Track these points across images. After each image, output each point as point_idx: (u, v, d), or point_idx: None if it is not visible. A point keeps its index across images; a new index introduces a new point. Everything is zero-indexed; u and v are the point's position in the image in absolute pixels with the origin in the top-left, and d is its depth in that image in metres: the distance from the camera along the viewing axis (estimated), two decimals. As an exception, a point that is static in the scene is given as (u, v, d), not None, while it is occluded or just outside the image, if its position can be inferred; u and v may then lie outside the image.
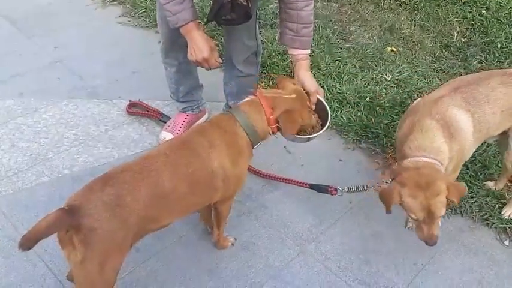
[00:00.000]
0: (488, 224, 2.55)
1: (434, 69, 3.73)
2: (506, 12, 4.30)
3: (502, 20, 4.27)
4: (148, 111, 3.07)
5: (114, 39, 3.90)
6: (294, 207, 2.56)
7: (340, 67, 3.57)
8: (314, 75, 3.40)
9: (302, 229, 2.46)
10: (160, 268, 2.22)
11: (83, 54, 3.70)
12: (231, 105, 2.85)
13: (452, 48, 3.98)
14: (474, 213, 2.58)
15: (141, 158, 1.80)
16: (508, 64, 3.76)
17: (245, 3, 2.19)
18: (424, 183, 1.93)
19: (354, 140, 3.02)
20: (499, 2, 4.40)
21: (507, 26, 4.19)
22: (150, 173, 1.71)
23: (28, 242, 1.49)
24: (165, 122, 2.99)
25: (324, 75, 3.47)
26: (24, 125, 2.97)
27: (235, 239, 2.35)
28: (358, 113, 3.17)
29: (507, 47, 3.96)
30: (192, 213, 2.23)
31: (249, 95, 2.04)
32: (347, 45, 3.90)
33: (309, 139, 2.19)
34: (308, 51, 2.30)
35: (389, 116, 3.16)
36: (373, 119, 3.12)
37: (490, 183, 2.74)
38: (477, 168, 2.79)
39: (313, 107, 2.24)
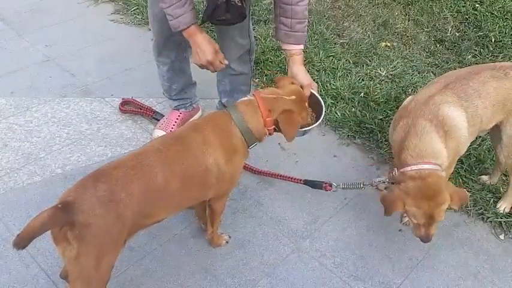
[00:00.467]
0: (483, 218, 2.55)
1: (428, 64, 3.73)
2: (500, 6, 4.30)
3: (495, 14, 4.26)
4: (141, 109, 3.05)
5: (106, 37, 3.87)
6: (289, 205, 2.55)
7: (334, 62, 3.55)
8: (308, 71, 3.38)
9: (297, 226, 2.45)
10: (155, 266, 2.21)
11: (75, 51, 3.66)
12: (225, 103, 2.84)
13: (446, 43, 3.98)
14: (469, 208, 2.58)
15: (134, 154, 1.78)
16: (502, 58, 3.76)
17: (239, 4, 2.18)
18: (429, 194, 1.97)
19: (348, 135, 3.01)
20: (493, -4, 4.40)
21: (501, 20, 4.19)
22: (143, 168, 1.71)
23: (22, 241, 1.48)
24: (158, 120, 2.97)
25: (318, 70, 3.46)
26: (15, 124, 2.94)
27: (230, 237, 2.34)
28: (353, 109, 3.16)
29: (501, 40, 3.96)
30: (186, 209, 2.22)
31: (248, 94, 2.02)
32: (341, 41, 3.88)
33: (304, 132, 2.18)
34: (302, 46, 2.29)
35: (384, 111, 3.15)
36: (367, 115, 3.11)
37: (485, 178, 2.74)
38: (472, 162, 2.79)
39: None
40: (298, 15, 2.21)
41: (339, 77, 3.41)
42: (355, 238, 2.42)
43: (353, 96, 3.25)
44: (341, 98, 3.23)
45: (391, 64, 3.62)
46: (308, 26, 3.94)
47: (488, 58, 3.77)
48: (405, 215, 2.48)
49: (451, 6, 4.34)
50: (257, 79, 3.38)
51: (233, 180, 2.02)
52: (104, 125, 2.99)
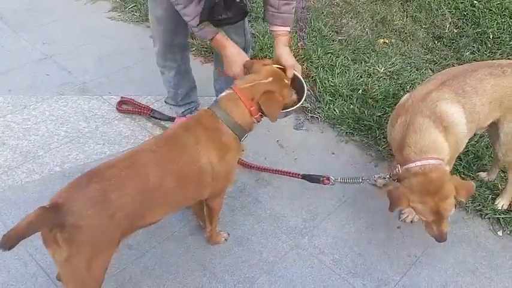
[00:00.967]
0: (481, 214, 2.56)
1: (426, 61, 3.72)
2: (498, 2, 4.29)
3: (493, 10, 4.26)
4: (139, 108, 3.04)
5: (104, 34, 3.86)
6: (287, 202, 2.55)
7: (332, 59, 3.55)
8: (306, 68, 3.41)
9: (296, 223, 2.45)
10: (154, 264, 2.21)
11: (73, 49, 3.66)
12: None
13: (444, 39, 3.97)
14: (467, 205, 2.58)
15: (128, 154, 1.78)
16: (500, 55, 3.76)
17: (238, 1, 2.17)
18: (432, 189, 1.97)
19: (346, 132, 3.01)
20: (491, -8, 4.40)
21: (499, 16, 4.19)
22: (137, 169, 1.70)
23: (9, 241, 1.46)
24: (156, 118, 2.97)
25: (316, 67, 3.46)
26: (13, 122, 2.94)
27: (229, 234, 2.34)
28: (351, 106, 3.15)
29: (499, 37, 3.96)
30: (183, 209, 2.22)
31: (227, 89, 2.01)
32: (339, 38, 3.88)
33: (286, 114, 2.16)
34: (288, 28, 2.30)
35: (382, 108, 3.15)
36: (366, 112, 3.11)
37: (483, 174, 2.74)
38: (470, 159, 2.79)
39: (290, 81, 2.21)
40: None
41: (337, 74, 3.41)
42: (354, 235, 2.42)
43: (351, 93, 3.25)
44: (339, 95, 3.23)
45: (389, 61, 3.62)
46: (306, 23, 3.97)
47: (486, 55, 3.77)
48: (404, 211, 2.50)
49: (449, 3, 4.33)
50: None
51: (228, 177, 2.01)
52: (102, 123, 2.98)
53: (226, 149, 1.92)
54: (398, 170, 2.11)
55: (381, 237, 2.41)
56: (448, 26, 4.12)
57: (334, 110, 3.12)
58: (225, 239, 2.32)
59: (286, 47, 2.28)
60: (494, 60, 2.49)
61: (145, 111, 3.02)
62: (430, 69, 3.61)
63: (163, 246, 2.29)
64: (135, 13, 4.10)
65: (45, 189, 2.49)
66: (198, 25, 2.14)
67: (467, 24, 4.13)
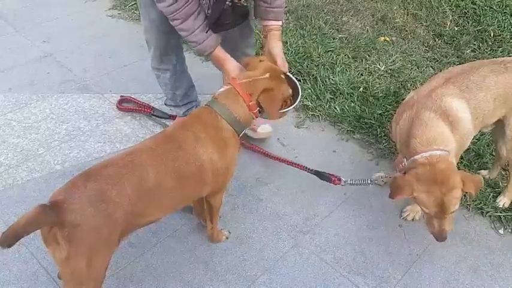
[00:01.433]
0: (482, 212, 2.55)
1: (427, 59, 3.72)
2: (499, 0, 4.29)
3: (494, 8, 4.26)
4: (139, 106, 3.04)
5: (104, 32, 3.85)
6: (288, 200, 2.55)
7: (333, 57, 3.55)
8: (307, 66, 3.41)
9: (297, 221, 2.45)
10: (155, 262, 2.21)
11: (73, 47, 3.65)
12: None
13: (445, 37, 3.97)
14: (468, 203, 2.58)
15: (126, 153, 1.77)
16: (501, 52, 3.76)
17: (245, 4, 2.21)
18: (439, 179, 1.91)
19: (347, 130, 3.01)
20: (492, -10, 4.39)
21: (500, 14, 4.19)
22: (135, 167, 1.69)
23: (7, 240, 1.45)
24: (157, 116, 2.96)
25: (316, 66, 3.45)
26: (14, 120, 2.93)
27: (230, 233, 2.34)
28: (352, 104, 3.15)
29: (500, 35, 3.95)
30: (184, 207, 2.22)
31: (224, 85, 2.01)
32: (340, 36, 3.87)
33: (283, 114, 2.15)
34: (280, 22, 2.31)
35: (383, 106, 3.15)
36: (366, 110, 3.11)
37: (484, 172, 2.74)
38: (471, 157, 2.79)
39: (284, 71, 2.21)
40: None
41: (338, 72, 3.40)
42: (355, 233, 2.42)
43: (352, 91, 3.25)
44: (340, 93, 3.23)
45: (390, 59, 3.62)
46: (306, 21, 3.96)
47: (487, 52, 3.76)
48: (405, 209, 2.50)
49: (449, 0, 4.33)
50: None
51: (228, 173, 2.01)
52: (103, 121, 2.98)
53: (226, 145, 1.92)
54: (405, 164, 2.09)
55: (382, 236, 2.41)
56: (448, 24, 4.11)
57: (335, 108, 3.12)
58: (227, 237, 2.32)
59: (279, 41, 2.29)
60: (497, 58, 2.49)
61: (145, 110, 3.01)
62: (431, 67, 3.61)
63: (164, 244, 2.28)
64: (135, 11, 4.09)
65: (46, 187, 2.49)
66: (196, 40, 2.16)
67: (468, 22, 4.13)
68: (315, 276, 2.21)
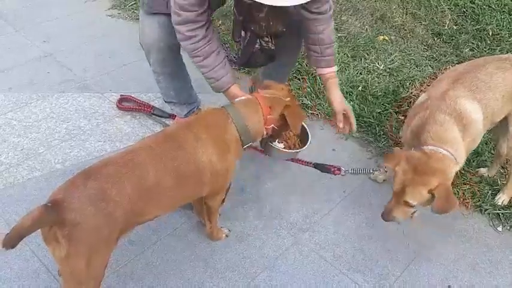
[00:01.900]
0: (481, 210, 2.57)
1: (426, 57, 3.73)
2: (498, -1, 4.31)
3: (493, 7, 4.27)
4: (139, 105, 3.04)
5: (104, 32, 3.86)
6: (288, 198, 2.56)
7: (332, 56, 3.55)
8: (306, 65, 3.41)
9: (296, 219, 2.46)
10: (156, 260, 2.22)
11: (73, 47, 3.66)
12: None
13: (444, 36, 3.98)
14: (467, 200, 2.60)
15: (126, 151, 1.77)
16: (499, 51, 3.77)
17: (273, 48, 2.29)
18: (419, 169, 1.94)
19: (346, 129, 3.01)
20: (490, -11, 4.41)
21: (498, 13, 4.20)
22: (135, 166, 1.69)
23: (12, 241, 1.46)
24: (157, 115, 2.97)
25: (316, 64, 3.46)
26: (14, 119, 2.94)
27: (230, 231, 2.35)
28: (351, 103, 3.15)
29: (498, 34, 3.97)
30: (184, 205, 2.23)
31: (247, 95, 2.06)
32: (339, 35, 3.88)
33: (295, 154, 2.33)
34: (334, 68, 2.38)
35: (382, 104, 3.16)
36: (365, 108, 3.12)
37: (483, 170, 2.75)
38: (470, 155, 2.79)
39: (340, 124, 2.37)
40: (326, 41, 2.30)
41: (337, 70, 3.38)
42: (355, 231, 2.43)
43: (351, 90, 3.26)
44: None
45: (389, 58, 3.63)
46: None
47: (485, 51, 3.78)
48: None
49: (448, 0, 4.34)
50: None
51: (227, 176, 2.02)
52: (103, 120, 2.99)
53: (227, 148, 1.93)
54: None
55: (382, 233, 2.42)
56: (447, 23, 4.13)
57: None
58: (226, 235, 2.33)
59: (338, 90, 2.35)
60: (501, 55, 2.49)
61: (145, 109, 3.02)
62: (430, 65, 3.62)
63: (165, 242, 2.29)
64: (135, 11, 4.10)
65: (47, 186, 2.50)
66: (215, 77, 2.22)
67: (467, 21, 4.14)
68: (314, 273, 2.22)
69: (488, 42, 3.88)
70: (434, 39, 3.97)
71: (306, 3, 2.04)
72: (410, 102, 3.17)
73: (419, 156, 1.99)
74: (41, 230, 1.56)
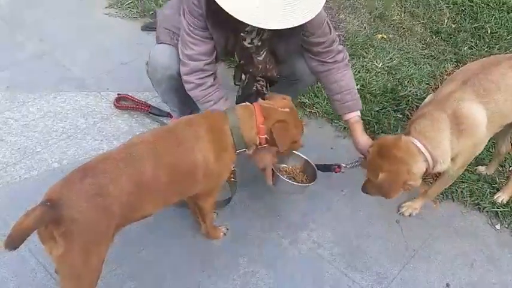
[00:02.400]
0: (479, 208, 2.57)
1: (424, 56, 3.73)
2: (496, -3, 4.30)
3: (491, 5, 4.27)
4: (136, 104, 3.04)
5: (101, 31, 3.85)
6: (287, 196, 2.55)
7: (330, 55, 3.54)
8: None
9: (294, 218, 2.46)
10: (153, 259, 2.21)
11: (70, 46, 3.64)
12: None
13: (442, 34, 3.98)
14: (465, 198, 2.59)
15: (124, 146, 1.78)
16: (498, 49, 3.77)
17: (266, 93, 2.40)
18: (383, 154, 2.07)
19: (344, 128, 3.01)
20: (489, -13, 4.40)
21: (497, 11, 4.20)
22: (133, 160, 1.69)
23: (14, 242, 1.45)
24: (154, 114, 2.97)
25: (314, 63, 3.45)
26: (11, 118, 2.93)
27: (227, 229, 2.34)
28: (349, 101, 3.15)
29: (497, 32, 3.97)
30: (181, 203, 2.22)
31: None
32: (337, 33, 3.86)
33: (305, 187, 2.34)
34: (358, 112, 2.37)
35: (380, 103, 3.16)
36: (364, 107, 3.07)
37: (482, 168, 2.75)
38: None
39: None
40: (344, 88, 2.31)
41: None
42: (353, 229, 2.43)
43: (349, 88, 3.25)
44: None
45: (387, 56, 3.62)
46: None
47: (484, 49, 3.77)
48: (403, 205, 2.51)
49: (446, -2, 4.34)
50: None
51: (220, 178, 2.02)
52: (100, 118, 2.98)
53: (224, 149, 1.93)
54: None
55: (380, 231, 2.42)
56: (445, 21, 4.12)
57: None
58: (224, 234, 2.32)
59: (363, 134, 2.34)
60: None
61: (143, 107, 3.01)
62: (428, 64, 3.62)
63: (162, 241, 2.29)
64: (132, 9, 4.09)
65: (44, 185, 2.42)
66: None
67: (465, 19, 4.14)
68: (313, 272, 2.21)
69: (487, 40, 3.88)
70: (432, 38, 3.96)
71: (319, 55, 2.26)
72: (409, 100, 3.17)
73: (390, 143, 2.07)
74: (37, 230, 1.54)
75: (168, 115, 2.93)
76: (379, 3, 4.29)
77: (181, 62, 2.22)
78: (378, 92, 3.24)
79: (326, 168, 2.51)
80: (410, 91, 3.26)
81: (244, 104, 2.04)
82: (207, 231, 2.26)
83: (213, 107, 2.19)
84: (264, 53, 2.33)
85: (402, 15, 4.19)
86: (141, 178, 1.69)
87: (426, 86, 3.36)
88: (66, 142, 2.79)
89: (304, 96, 3.18)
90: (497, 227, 2.49)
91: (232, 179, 2.26)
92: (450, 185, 2.62)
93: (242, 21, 1.81)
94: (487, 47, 3.80)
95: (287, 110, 2.04)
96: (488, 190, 2.63)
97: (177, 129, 1.87)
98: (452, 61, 3.65)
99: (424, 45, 3.87)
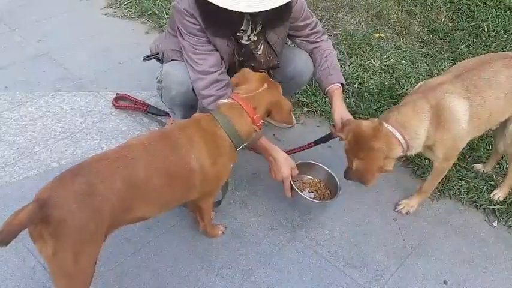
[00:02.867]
0: (476, 206, 2.58)
1: (421, 54, 3.74)
2: (493, -5, 4.32)
3: (488, 3, 4.29)
4: (135, 104, 3.04)
5: (99, 30, 3.86)
6: (284, 195, 2.55)
7: (328, 54, 3.55)
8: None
9: (292, 216, 2.47)
10: (152, 257, 2.22)
11: (68, 46, 3.65)
12: None
13: (439, 33, 3.99)
14: (462, 196, 2.61)
15: (120, 146, 1.77)
16: (495, 48, 3.79)
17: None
18: (358, 142, 2.11)
19: (343, 126, 3.02)
20: (486, -14, 4.42)
21: (493, 9, 4.22)
22: (127, 161, 1.68)
23: (5, 238, 1.44)
24: (153, 113, 2.97)
25: (312, 62, 3.46)
26: (10, 118, 2.94)
27: (226, 227, 2.35)
28: (347, 100, 3.17)
29: (494, 30, 3.99)
30: (174, 208, 2.21)
31: (225, 98, 2.03)
32: (334, 32, 3.89)
33: (324, 204, 2.44)
34: (339, 85, 2.44)
35: (378, 101, 3.17)
36: (361, 105, 3.13)
37: (479, 166, 2.76)
38: (465, 151, 2.81)
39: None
40: (329, 62, 2.46)
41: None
42: (350, 227, 2.44)
43: (347, 87, 3.27)
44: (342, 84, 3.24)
45: (384, 55, 3.63)
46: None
47: (481, 48, 3.79)
48: (400, 203, 2.52)
49: (444, -3, 4.36)
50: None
51: (218, 181, 2.02)
52: (99, 118, 2.98)
53: (219, 153, 1.91)
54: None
55: (377, 229, 2.43)
56: (443, 20, 4.14)
57: (330, 104, 3.12)
58: (222, 232, 2.33)
59: (342, 104, 2.39)
60: (508, 52, 2.47)
61: (141, 107, 3.02)
62: (425, 62, 3.63)
63: (160, 239, 2.30)
64: (130, 9, 4.10)
65: (42, 184, 2.46)
66: None
67: (462, 18, 4.15)
68: (311, 270, 2.22)
69: (484, 38, 3.90)
70: (429, 36, 3.98)
71: (308, 36, 2.48)
72: (406, 98, 3.18)
73: (366, 131, 2.10)
74: (28, 228, 1.53)
75: (166, 114, 2.94)
76: (376, 2, 4.30)
77: (195, 80, 2.26)
78: (376, 90, 3.25)
79: (326, 137, 2.53)
80: (407, 90, 3.27)
81: (226, 101, 1.98)
82: (206, 229, 2.26)
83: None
84: (262, 46, 2.41)
85: (399, 14, 4.20)
86: (135, 179, 1.68)
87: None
88: (64, 142, 2.80)
89: (302, 95, 3.19)
90: (495, 224, 2.50)
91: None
92: (447, 183, 2.65)
93: (236, 22, 1.98)
94: (484, 46, 3.81)
95: (266, 86, 2.01)
96: (485, 187, 2.64)
97: (172, 134, 1.85)
98: (449, 60, 3.67)
99: (421, 44, 3.88)
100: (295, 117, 3.08)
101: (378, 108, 3.11)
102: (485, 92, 2.14)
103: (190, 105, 2.51)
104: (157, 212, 1.92)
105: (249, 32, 2.35)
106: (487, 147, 2.85)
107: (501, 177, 2.71)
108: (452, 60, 3.67)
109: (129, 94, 3.10)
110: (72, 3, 4.21)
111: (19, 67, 3.39)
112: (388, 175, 2.71)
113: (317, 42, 2.52)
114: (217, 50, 2.27)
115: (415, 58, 3.66)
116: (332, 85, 2.42)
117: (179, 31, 2.26)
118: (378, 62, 3.54)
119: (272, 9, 2.01)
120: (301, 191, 2.40)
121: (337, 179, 2.41)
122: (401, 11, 4.24)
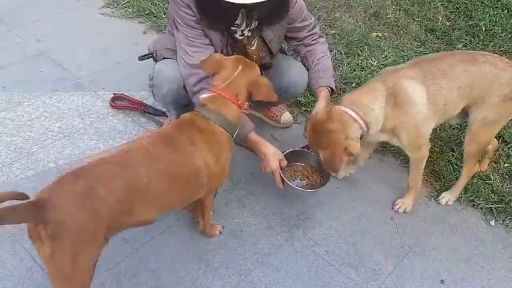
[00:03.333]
0: (473, 205, 2.59)
1: (419, 54, 3.74)
2: (490, -5, 4.32)
3: (486, 2, 4.29)
4: (132, 104, 3.04)
5: (97, 30, 3.85)
6: (281, 195, 2.56)
7: (325, 53, 3.55)
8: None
9: (290, 215, 2.47)
10: (150, 257, 2.22)
11: (66, 46, 3.65)
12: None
13: (437, 32, 4.00)
14: (460, 195, 2.61)
15: (121, 150, 1.77)
16: (492, 47, 3.79)
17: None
18: (317, 131, 2.17)
19: (340, 125, 3.02)
20: (483, -15, 4.42)
21: (491, 9, 4.22)
22: (128, 166, 1.68)
23: None
24: (150, 113, 2.97)
25: (309, 61, 3.46)
26: (7, 119, 2.93)
27: (223, 227, 2.35)
28: (345, 99, 3.16)
29: (491, 29, 3.99)
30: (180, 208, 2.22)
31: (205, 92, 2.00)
32: (332, 32, 3.89)
33: (312, 192, 2.45)
34: (328, 89, 2.47)
35: (375, 101, 3.16)
36: (359, 105, 3.12)
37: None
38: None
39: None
40: (321, 65, 2.49)
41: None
42: (348, 226, 2.44)
43: (345, 86, 3.27)
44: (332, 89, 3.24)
45: (382, 54, 3.64)
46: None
47: (478, 47, 3.79)
48: (397, 203, 2.52)
49: (441, -4, 4.36)
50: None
51: (222, 177, 2.03)
52: (96, 118, 2.98)
53: (221, 150, 1.93)
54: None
55: (375, 228, 2.44)
56: (440, 19, 4.14)
57: None
58: (220, 232, 2.33)
59: (323, 101, 2.41)
60: (471, 51, 2.53)
61: (139, 107, 3.02)
62: (423, 62, 3.63)
63: (158, 239, 2.30)
64: (128, 9, 4.10)
65: (40, 185, 2.42)
66: None
67: (460, 17, 4.15)
68: (308, 269, 2.23)
69: (481, 38, 3.90)
70: (427, 36, 3.98)
71: (305, 39, 2.50)
72: (404, 98, 3.18)
73: (321, 118, 2.15)
74: (27, 227, 1.54)
75: (164, 114, 2.94)
76: (373, 2, 4.30)
77: (187, 77, 2.26)
78: (373, 90, 3.25)
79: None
80: (405, 89, 3.27)
81: (207, 96, 1.94)
82: (204, 228, 2.26)
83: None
84: (256, 42, 2.43)
85: (397, 13, 4.21)
86: (135, 183, 1.67)
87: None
88: (62, 142, 2.80)
89: (300, 95, 3.19)
90: (492, 223, 2.51)
91: None
92: (444, 182, 2.65)
93: (231, 16, 2.01)
94: (481, 45, 3.82)
95: (240, 68, 1.97)
96: (481, 186, 2.64)
97: (173, 136, 1.85)
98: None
99: (419, 43, 3.88)
100: (293, 117, 3.08)
101: (376, 107, 3.11)
102: (440, 80, 2.21)
103: (184, 104, 2.49)
104: (162, 213, 1.92)
105: (243, 27, 2.36)
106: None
107: (499, 176, 2.72)
108: (449, 59, 3.67)
109: (126, 94, 3.10)
110: (71, 4, 4.20)
111: (17, 67, 3.39)
112: (386, 175, 2.72)
113: (312, 45, 2.54)
114: (212, 45, 2.26)
115: (412, 57, 3.64)
116: (320, 87, 2.44)
117: (175, 25, 2.25)
118: (376, 62, 3.54)
119: (268, 5, 2.01)
120: (293, 180, 2.42)
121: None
122: (399, 10, 4.25)
